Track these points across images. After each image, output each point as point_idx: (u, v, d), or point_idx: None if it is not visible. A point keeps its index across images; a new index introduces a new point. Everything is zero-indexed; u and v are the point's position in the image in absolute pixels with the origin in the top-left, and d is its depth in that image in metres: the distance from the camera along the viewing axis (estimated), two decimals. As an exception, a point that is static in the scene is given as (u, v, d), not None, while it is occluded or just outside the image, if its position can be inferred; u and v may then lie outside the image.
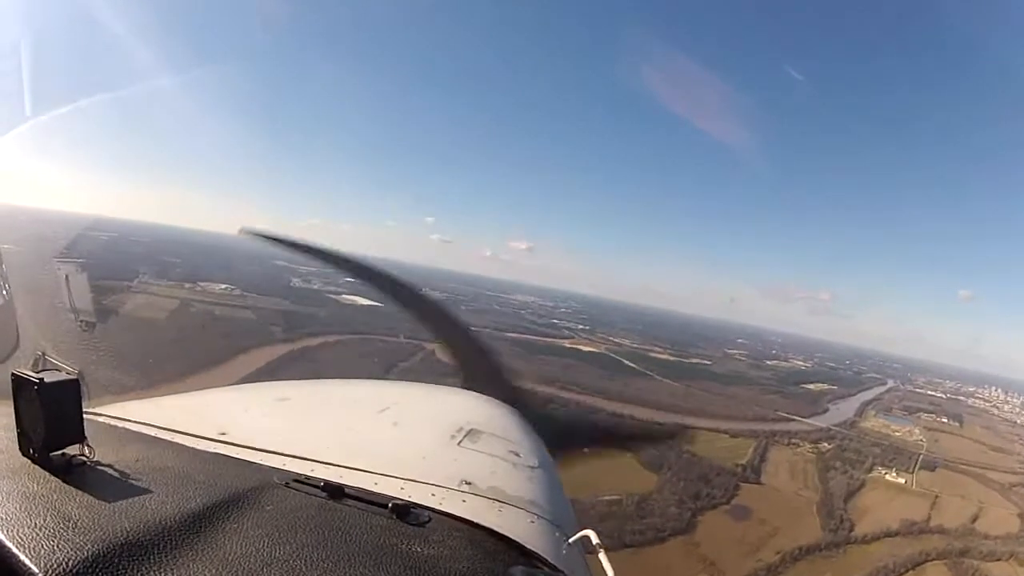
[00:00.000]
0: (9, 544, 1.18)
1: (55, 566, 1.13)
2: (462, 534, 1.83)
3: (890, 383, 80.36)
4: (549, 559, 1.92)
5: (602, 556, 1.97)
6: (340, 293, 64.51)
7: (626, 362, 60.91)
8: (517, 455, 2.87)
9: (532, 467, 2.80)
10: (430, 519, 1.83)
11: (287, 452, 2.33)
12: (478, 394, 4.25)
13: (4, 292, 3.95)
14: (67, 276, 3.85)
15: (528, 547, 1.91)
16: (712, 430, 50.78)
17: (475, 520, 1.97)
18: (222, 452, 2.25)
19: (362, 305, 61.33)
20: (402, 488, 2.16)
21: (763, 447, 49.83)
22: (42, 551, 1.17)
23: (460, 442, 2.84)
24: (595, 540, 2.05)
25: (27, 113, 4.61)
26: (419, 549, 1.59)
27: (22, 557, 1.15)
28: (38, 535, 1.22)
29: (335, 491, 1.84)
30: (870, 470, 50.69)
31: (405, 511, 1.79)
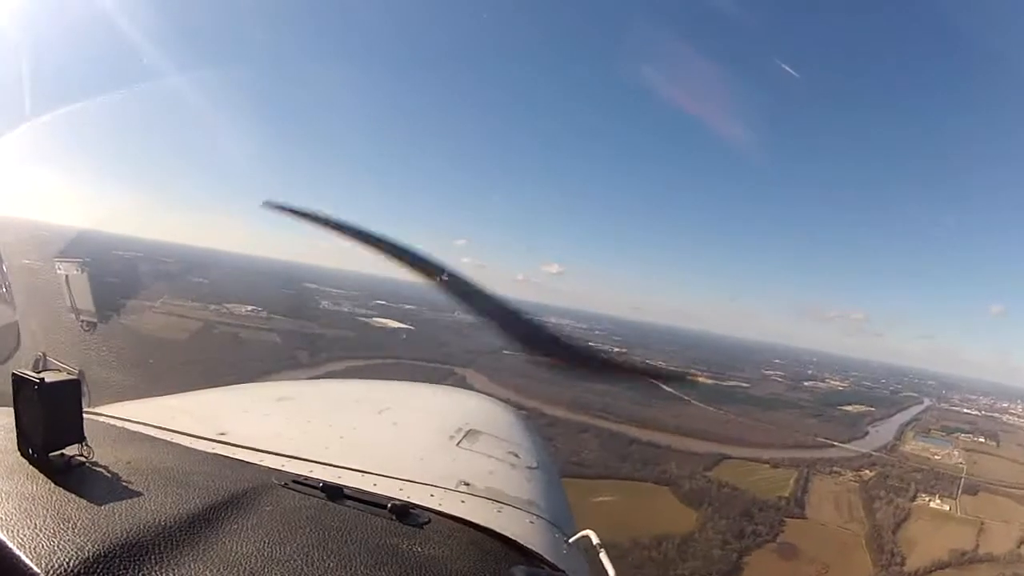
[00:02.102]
0: (10, 545, 1.18)
1: (56, 566, 1.13)
2: (462, 534, 1.82)
3: (926, 402, 78.37)
4: (549, 559, 1.91)
5: (603, 556, 1.93)
6: (371, 316, 64.68)
7: (663, 386, 59.24)
8: (516, 456, 2.85)
9: (531, 468, 2.78)
10: (430, 520, 1.81)
11: (286, 452, 2.32)
12: (477, 394, 4.23)
13: (5, 291, 3.90)
14: (67, 276, 3.75)
15: (529, 547, 1.90)
16: (752, 460, 49.29)
17: (475, 521, 1.95)
18: (221, 453, 2.23)
19: (393, 328, 61.44)
20: (401, 489, 2.15)
21: (805, 477, 48.21)
22: (43, 551, 1.17)
23: (459, 443, 2.83)
24: (595, 540, 2.01)
25: (27, 113, 4.42)
26: (419, 549, 1.58)
27: (23, 557, 1.15)
28: (38, 535, 1.23)
29: (334, 492, 1.83)
30: (914, 498, 49.12)
31: (404, 512, 1.77)
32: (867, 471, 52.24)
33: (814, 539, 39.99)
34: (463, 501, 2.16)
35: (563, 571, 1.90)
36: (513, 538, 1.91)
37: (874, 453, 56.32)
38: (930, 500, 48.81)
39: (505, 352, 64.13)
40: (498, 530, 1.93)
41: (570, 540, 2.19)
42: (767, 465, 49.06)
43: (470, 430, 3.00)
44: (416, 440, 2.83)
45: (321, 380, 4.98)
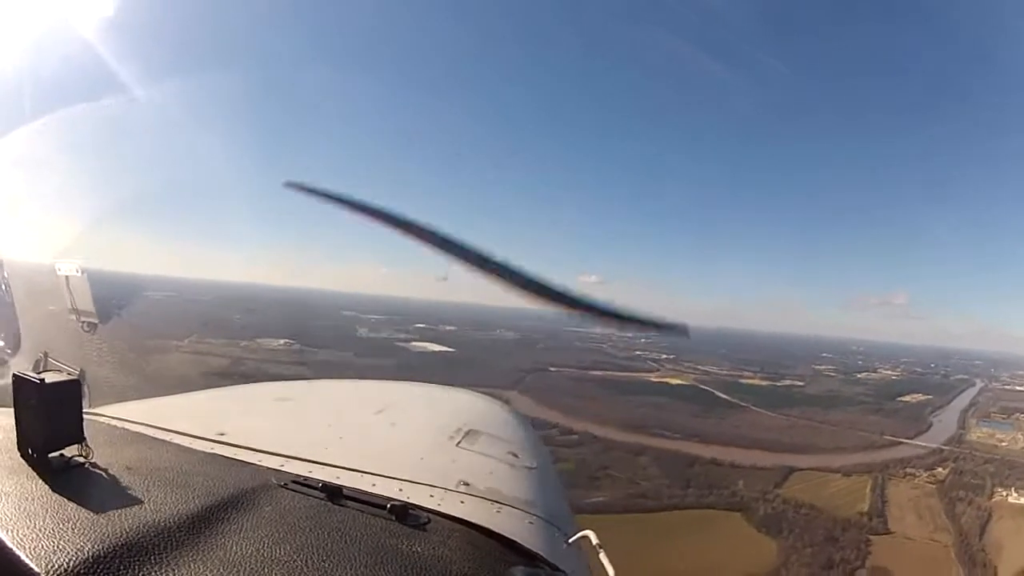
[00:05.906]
0: (10, 545, 1.19)
1: (57, 567, 1.14)
2: (462, 535, 1.80)
3: (978, 383, 75.01)
4: (549, 559, 1.89)
5: (602, 556, 1.90)
6: (410, 340, 62.66)
7: (719, 394, 56.63)
8: (515, 456, 2.82)
9: (530, 468, 2.76)
10: (429, 520, 1.79)
11: (285, 453, 2.28)
12: (477, 394, 4.27)
13: (5, 291, 3.86)
14: (67, 278, 3.64)
15: (528, 547, 1.89)
16: (823, 470, 46.30)
17: (474, 521, 1.94)
18: (220, 453, 2.20)
19: (433, 352, 59.43)
20: (400, 489, 2.13)
21: (880, 485, 45.33)
22: (43, 552, 1.18)
23: (458, 443, 2.79)
24: (595, 540, 2.00)
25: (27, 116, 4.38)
26: (420, 550, 1.57)
27: (23, 557, 1.16)
28: (38, 536, 1.23)
29: (333, 492, 1.83)
30: (991, 495, 46.32)
31: (404, 512, 1.76)
32: (940, 468, 49.45)
33: (904, 557, 37.13)
34: (462, 501, 2.13)
35: (563, 571, 1.87)
36: (513, 538, 1.90)
37: (944, 448, 53.59)
38: (1007, 495, 46.10)
39: (551, 369, 62.72)
40: (498, 530, 1.91)
41: (570, 540, 2.16)
42: (839, 474, 46.06)
43: (469, 430, 2.93)
44: (415, 440, 2.79)
45: (319, 380, 4.40)
